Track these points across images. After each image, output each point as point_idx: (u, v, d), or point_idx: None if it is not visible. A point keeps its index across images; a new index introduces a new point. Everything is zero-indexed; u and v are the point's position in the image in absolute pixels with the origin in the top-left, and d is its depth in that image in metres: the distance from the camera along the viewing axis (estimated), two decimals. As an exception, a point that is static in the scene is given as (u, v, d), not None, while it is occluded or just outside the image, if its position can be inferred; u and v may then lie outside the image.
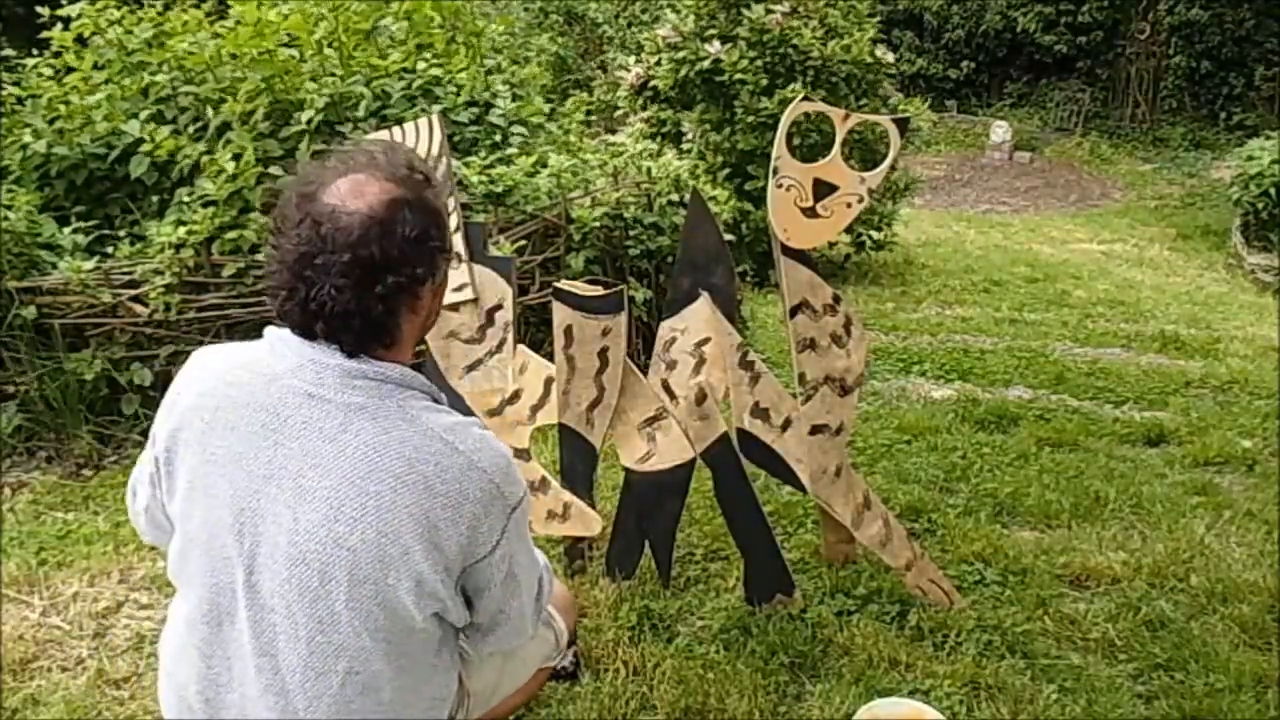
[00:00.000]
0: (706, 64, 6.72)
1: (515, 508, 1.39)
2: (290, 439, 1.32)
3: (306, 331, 1.34)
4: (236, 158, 3.70)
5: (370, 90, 4.16)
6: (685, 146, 6.58)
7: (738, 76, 6.62)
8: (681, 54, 6.87)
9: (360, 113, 4.06)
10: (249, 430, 1.34)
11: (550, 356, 2.43)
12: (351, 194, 1.31)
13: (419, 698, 1.43)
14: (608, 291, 2.35)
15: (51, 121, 4.11)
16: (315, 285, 1.29)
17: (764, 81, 6.63)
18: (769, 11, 6.70)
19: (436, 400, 1.41)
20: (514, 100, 4.66)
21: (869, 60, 6.91)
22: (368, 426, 1.32)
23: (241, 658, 1.36)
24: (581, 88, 8.80)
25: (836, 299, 2.36)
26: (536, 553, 1.54)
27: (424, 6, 4.78)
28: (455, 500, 1.32)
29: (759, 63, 6.65)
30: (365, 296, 1.30)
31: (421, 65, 4.43)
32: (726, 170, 6.65)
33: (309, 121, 3.88)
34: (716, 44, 6.75)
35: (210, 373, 1.40)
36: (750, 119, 6.60)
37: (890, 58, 7.23)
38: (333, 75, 4.13)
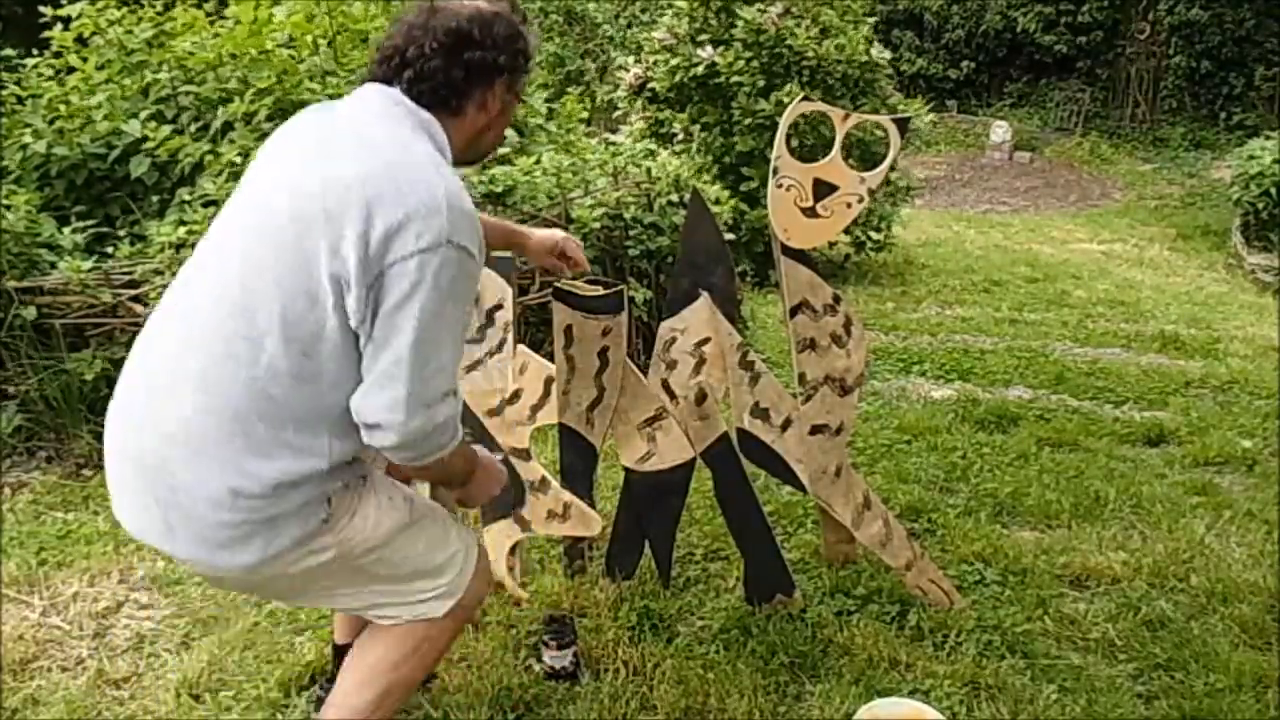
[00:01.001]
0: (700, 69, 6.73)
1: (452, 245, 1.47)
2: (317, 133, 1.60)
3: (391, 82, 1.60)
4: (244, 156, 3.70)
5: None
6: (678, 148, 6.58)
7: (734, 79, 6.62)
8: (676, 59, 6.89)
9: None
10: (292, 140, 1.62)
11: (550, 356, 2.43)
12: (464, 3, 1.64)
13: (298, 416, 1.51)
14: (608, 291, 2.35)
15: (52, 121, 4.11)
16: (415, 43, 1.59)
17: (761, 83, 6.63)
18: (763, 11, 6.70)
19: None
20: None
21: (864, 59, 6.91)
22: (379, 128, 1.55)
23: (187, 299, 1.58)
24: (580, 86, 8.80)
25: (836, 299, 2.36)
26: (451, 368, 1.53)
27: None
28: (406, 192, 1.46)
29: (755, 64, 6.66)
30: (452, 62, 1.59)
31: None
32: (717, 169, 6.65)
33: None
34: (709, 49, 6.75)
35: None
36: (748, 120, 6.61)
37: (886, 56, 7.23)
38: (333, 75, 4.14)
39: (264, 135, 3.89)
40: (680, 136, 6.80)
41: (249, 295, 1.50)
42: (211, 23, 4.51)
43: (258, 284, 1.49)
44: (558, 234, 2.25)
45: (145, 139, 3.86)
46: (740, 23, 6.69)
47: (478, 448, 1.86)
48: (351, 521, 1.62)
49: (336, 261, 1.45)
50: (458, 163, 1.66)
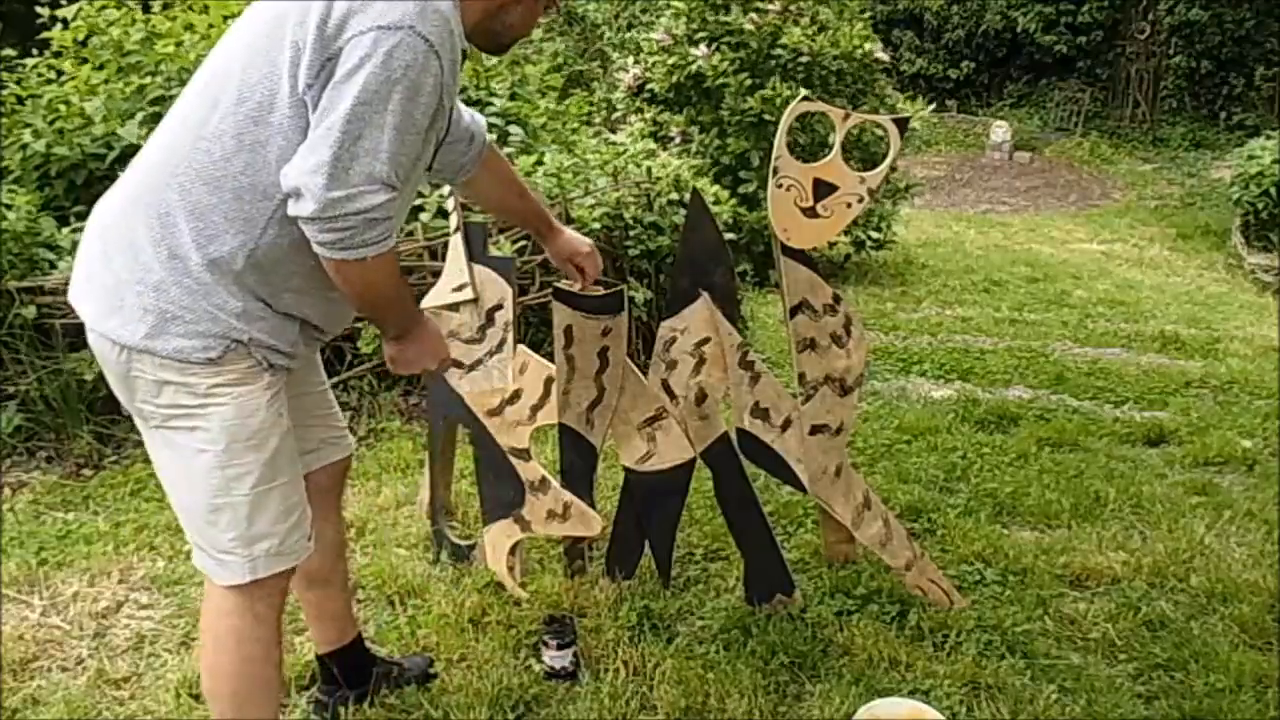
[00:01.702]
0: (694, 68, 6.75)
1: (414, 31, 1.46)
2: None
3: None
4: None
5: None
6: (676, 149, 6.60)
7: (719, 81, 6.64)
8: (673, 59, 6.90)
9: None
10: None
11: (550, 356, 2.43)
12: None
13: (235, 187, 1.53)
14: (608, 291, 2.35)
15: (51, 122, 4.11)
16: None
17: (747, 82, 6.65)
18: (745, 12, 6.73)
19: None
20: (512, 99, 4.66)
21: (859, 55, 6.92)
22: None
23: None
24: (581, 86, 8.80)
25: (836, 299, 2.36)
26: (387, 157, 1.48)
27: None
28: None
29: (738, 63, 6.68)
30: None
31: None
32: (714, 170, 6.65)
33: None
34: (703, 48, 6.76)
35: None
36: (736, 119, 6.62)
37: (882, 52, 7.24)
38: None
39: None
40: (678, 140, 6.80)
41: (217, 76, 1.57)
42: (203, 20, 4.50)
43: (226, 64, 1.56)
44: (584, 245, 2.24)
45: (140, 143, 3.86)
46: (723, 25, 6.72)
47: (426, 315, 1.82)
48: (232, 390, 1.59)
49: (300, 29, 1.47)
50: (473, 39, 1.66)
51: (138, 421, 1.69)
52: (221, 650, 1.72)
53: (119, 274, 1.57)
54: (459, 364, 2.40)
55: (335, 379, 3.83)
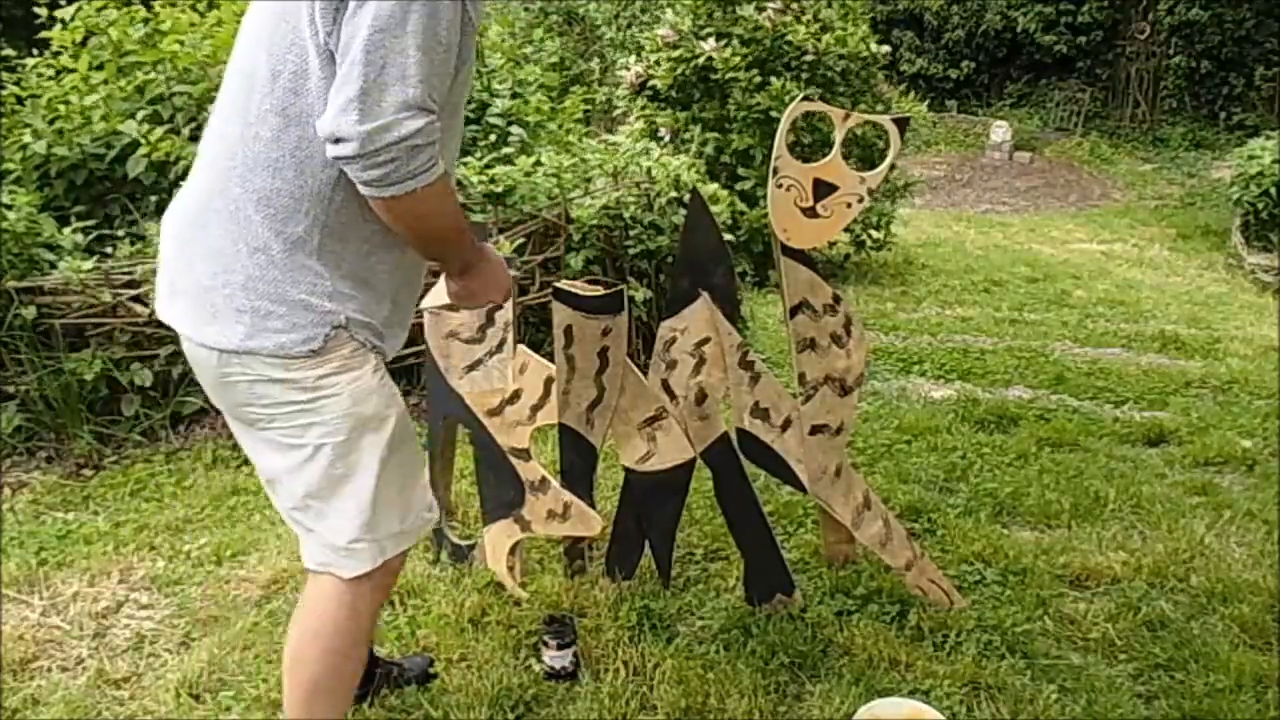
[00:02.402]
0: (701, 60, 6.74)
1: None
2: None
3: None
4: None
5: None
6: (666, 148, 6.60)
7: (729, 75, 6.63)
8: (678, 53, 6.89)
9: None
10: None
11: (550, 356, 2.43)
12: None
13: (293, 164, 1.49)
14: (608, 291, 2.35)
15: (51, 121, 4.11)
16: None
17: (757, 79, 6.65)
18: (760, 9, 6.71)
19: None
20: (513, 99, 4.66)
21: (864, 54, 6.92)
22: None
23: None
24: (581, 85, 8.80)
25: (836, 299, 2.36)
26: (417, 79, 1.39)
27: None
28: None
29: (750, 59, 6.67)
30: None
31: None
32: (714, 166, 6.65)
33: None
34: (711, 41, 6.76)
35: None
36: (744, 115, 6.62)
37: (884, 50, 7.24)
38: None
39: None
40: (666, 138, 6.80)
41: (247, 59, 1.53)
42: (202, 17, 4.50)
43: (252, 45, 1.52)
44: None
45: (140, 140, 3.86)
46: (740, 20, 6.70)
47: (488, 246, 1.76)
48: (342, 377, 1.55)
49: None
50: None
51: (237, 427, 1.65)
52: (315, 639, 1.68)
53: (203, 280, 1.53)
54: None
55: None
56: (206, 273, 1.53)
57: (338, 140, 1.39)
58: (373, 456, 1.59)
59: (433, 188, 1.44)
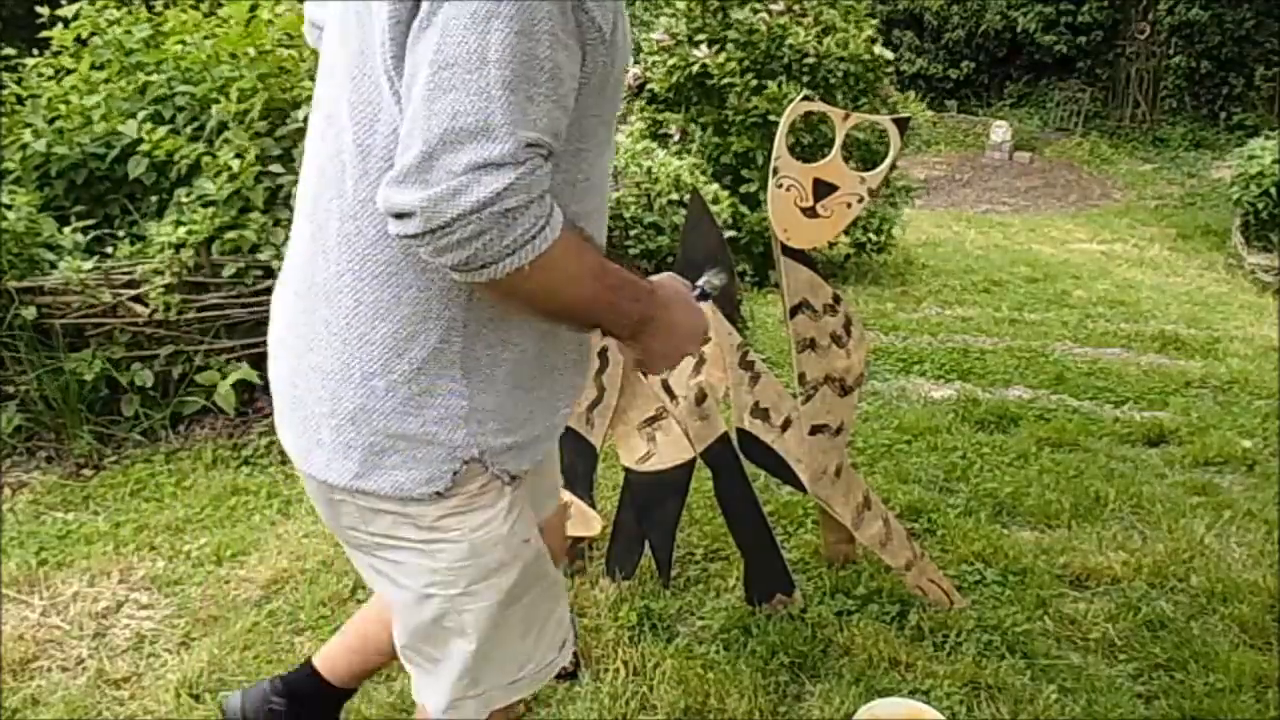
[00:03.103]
0: (696, 68, 6.74)
1: None
2: None
3: None
4: (239, 157, 3.70)
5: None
6: (674, 148, 6.59)
7: (725, 80, 6.64)
8: (673, 60, 6.90)
9: None
10: None
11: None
12: None
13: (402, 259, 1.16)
14: (608, 291, 2.35)
15: (51, 121, 4.11)
16: None
17: (753, 82, 6.65)
18: (755, 11, 6.71)
19: None
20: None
21: (867, 58, 6.91)
22: None
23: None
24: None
25: (836, 299, 2.36)
26: (497, 120, 1.02)
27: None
28: None
29: (746, 62, 6.67)
30: None
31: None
32: (714, 169, 6.65)
33: (305, 119, 3.88)
34: (704, 48, 6.76)
35: None
36: (741, 118, 6.62)
37: (889, 55, 7.24)
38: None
39: (257, 135, 3.90)
40: (676, 137, 6.80)
41: (329, 120, 1.19)
42: (206, 19, 4.50)
43: (334, 102, 1.17)
44: None
45: (142, 139, 3.86)
46: (734, 23, 6.70)
47: (664, 278, 1.41)
48: (465, 520, 1.24)
49: (373, 20, 1.09)
50: None
51: (346, 547, 1.39)
52: None
53: (308, 403, 1.24)
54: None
55: (335, 379, 3.83)
56: (311, 395, 1.23)
57: (398, 215, 1.05)
58: (488, 613, 1.30)
59: (549, 257, 1.07)
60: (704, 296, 1.52)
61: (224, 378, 3.60)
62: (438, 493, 1.21)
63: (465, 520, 1.24)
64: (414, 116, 1.02)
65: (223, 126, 3.97)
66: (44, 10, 4.39)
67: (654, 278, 1.36)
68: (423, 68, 1.02)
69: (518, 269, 1.06)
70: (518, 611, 1.32)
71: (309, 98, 3.91)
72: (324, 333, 1.20)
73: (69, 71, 4.28)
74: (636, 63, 7.40)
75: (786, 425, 2.42)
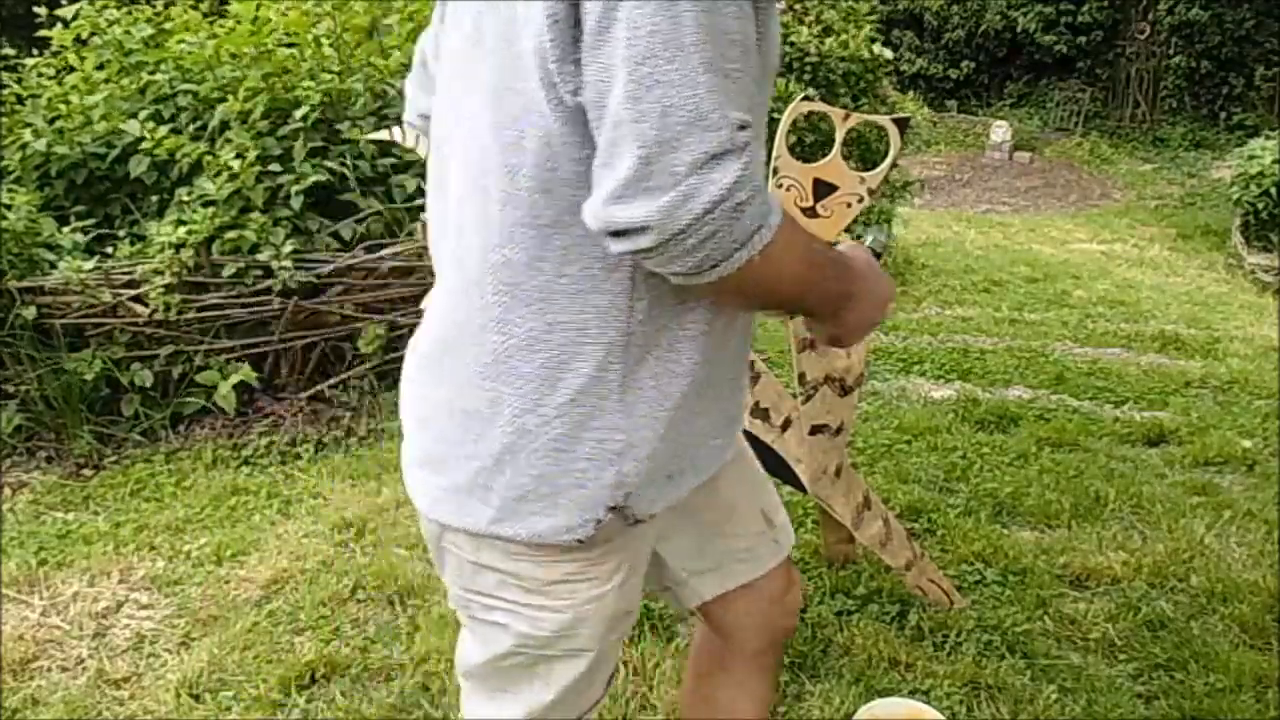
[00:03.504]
0: None
1: None
2: None
3: None
4: (240, 156, 3.71)
5: (369, 89, 4.16)
6: None
7: None
8: None
9: (358, 110, 4.05)
10: None
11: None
12: None
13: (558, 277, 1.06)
14: (608, 291, 2.35)
15: (52, 121, 4.11)
16: None
17: None
18: None
19: None
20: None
21: (866, 57, 6.92)
22: None
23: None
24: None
25: (836, 299, 2.36)
26: (714, 112, 0.92)
27: (425, 7, 4.78)
28: None
29: None
30: None
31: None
32: None
33: (304, 119, 3.89)
34: None
35: None
36: None
37: (889, 55, 7.24)
38: (329, 73, 4.13)
39: (259, 134, 3.90)
40: None
41: (467, 148, 1.08)
42: (210, 22, 4.50)
43: (469, 128, 1.07)
44: None
45: (143, 139, 3.87)
46: None
47: (850, 246, 1.28)
48: (575, 589, 1.16)
49: (531, 27, 0.97)
50: None
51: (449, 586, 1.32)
52: None
53: (445, 447, 1.15)
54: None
55: (335, 379, 3.83)
56: (452, 437, 1.13)
57: (620, 234, 0.96)
58: (575, 673, 1.23)
59: (774, 244, 0.99)
60: (876, 256, 1.38)
61: (224, 378, 3.61)
62: (579, 541, 1.11)
63: (576, 591, 1.16)
64: (617, 123, 0.93)
65: (224, 126, 3.97)
66: (42, 10, 4.39)
67: (840, 247, 1.25)
68: (617, 70, 0.92)
69: (747, 261, 0.97)
70: (601, 667, 1.26)
71: (308, 97, 3.93)
72: (470, 372, 1.10)
73: (69, 71, 4.28)
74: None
75: (786, 425, 2.42)
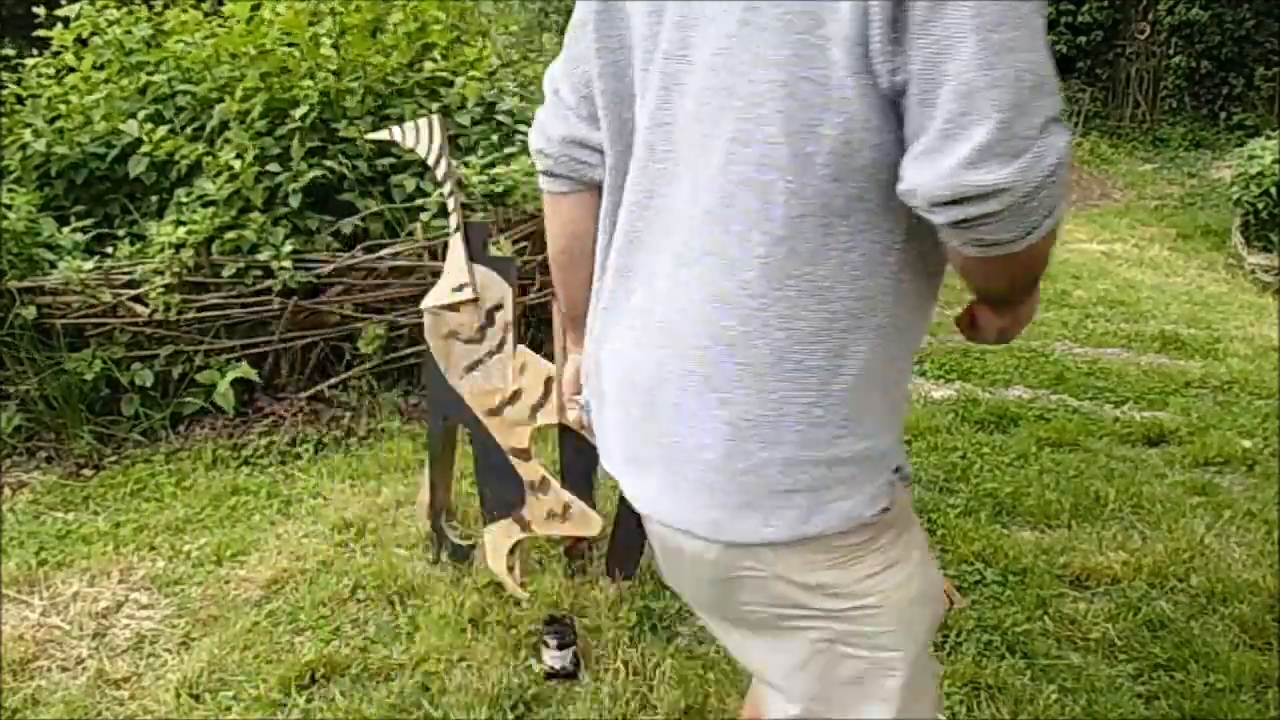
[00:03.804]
0: None
1: None
2: None
3: None
4: (239, 156, 3.70)
5: (367, 88, 4.16)
6: None
7: None
8: None
9: (356, 109, 4.05)
10: None
11: (550, 356, 2.43)
12: None
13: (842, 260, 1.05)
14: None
15: (52, 121, 4.11)
16: None
17: None
18: None
19: None
20: (521, 100, 4.66)
21: None
22: None
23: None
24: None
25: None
26: (1052, 74, 0.95)
27: (429, 6, 4.78)
28: None
29: None
30: None
31: (429, 65, 4.43)
32: None
33: (302, 118, 3.88)
34: None
35: None
36: None
37: None
38: (327, 72, 4.12)
39: (258, 134, 3.90)
40: None
41: (734, 147, 1.04)
42: (210, 22, 4.50)
43: (738, 130, 1.04)
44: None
45: (142, 139, 3.87)
46: None
47: None
48: (885, 578, 1.14)
49: (839, 14, 0.96)
50: None
51: (715, 621, 1.26)
52: None
53: (719, 461, 1.09)
54: None
55: (335, 379, 3.83)
56: (722, 450, 1.09)
57: (962, 201, 0.94)
58: (903, 673, 1.17)
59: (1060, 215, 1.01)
60: None
61: (224, 377, 3.61)
62: (884, 509, 1.11)
63: (888, 578, 1.14)
64: (969, 91, 0.91)
65: (223, 126, 3.97)
66: (41, 10, 4.39)
67: None
68: (965, 38, 0.90)
69: (1049, 230, 0.99)
70: (928, 664, 1.22)
71: (306, 96, 3.93)
72: (745, 378, 1.07)
73: (69, 71, 4.28)
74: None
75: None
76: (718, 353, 1.08)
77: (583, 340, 1.31)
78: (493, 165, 3.98)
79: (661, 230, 1.13)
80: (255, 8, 4.28)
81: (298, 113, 3.90)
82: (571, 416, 1.42)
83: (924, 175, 0.95)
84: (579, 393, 1.36)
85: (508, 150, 4.26)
